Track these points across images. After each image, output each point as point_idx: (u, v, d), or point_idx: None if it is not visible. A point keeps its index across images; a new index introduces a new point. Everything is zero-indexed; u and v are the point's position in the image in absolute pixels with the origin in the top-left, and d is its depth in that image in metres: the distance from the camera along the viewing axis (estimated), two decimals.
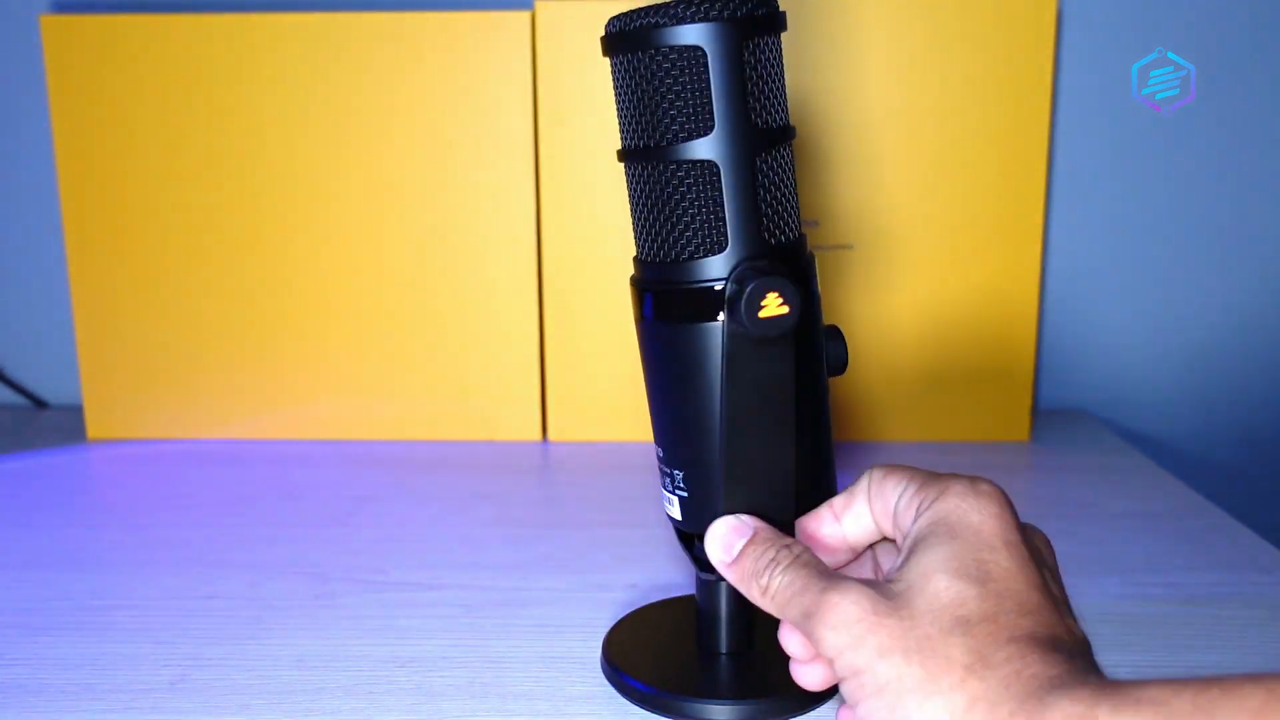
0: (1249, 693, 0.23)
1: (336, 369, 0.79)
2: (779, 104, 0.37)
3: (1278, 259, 0.84)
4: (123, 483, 0.71)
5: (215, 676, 0.43)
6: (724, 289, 0.36)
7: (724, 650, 0.42)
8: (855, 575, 0.35)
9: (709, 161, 0.36)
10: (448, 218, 0.76)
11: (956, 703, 0.28)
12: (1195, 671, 0.37)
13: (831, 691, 0.41)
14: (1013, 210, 0.74)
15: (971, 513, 0.32)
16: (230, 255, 0.78)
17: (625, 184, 0.39)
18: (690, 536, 0.40)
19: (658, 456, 0.41)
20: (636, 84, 0.37)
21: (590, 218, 0.75)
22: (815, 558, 0.35)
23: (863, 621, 0.31)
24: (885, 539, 0.37)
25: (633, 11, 0.36)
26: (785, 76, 0.38)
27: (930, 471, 0.35)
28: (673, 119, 0.36)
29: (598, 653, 0.44)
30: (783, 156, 0.37)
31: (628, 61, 0.37)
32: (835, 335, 0.40)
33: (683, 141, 0.36)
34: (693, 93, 0.35)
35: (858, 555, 0.38)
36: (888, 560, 0.38)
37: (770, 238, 0.37)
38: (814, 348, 0.39)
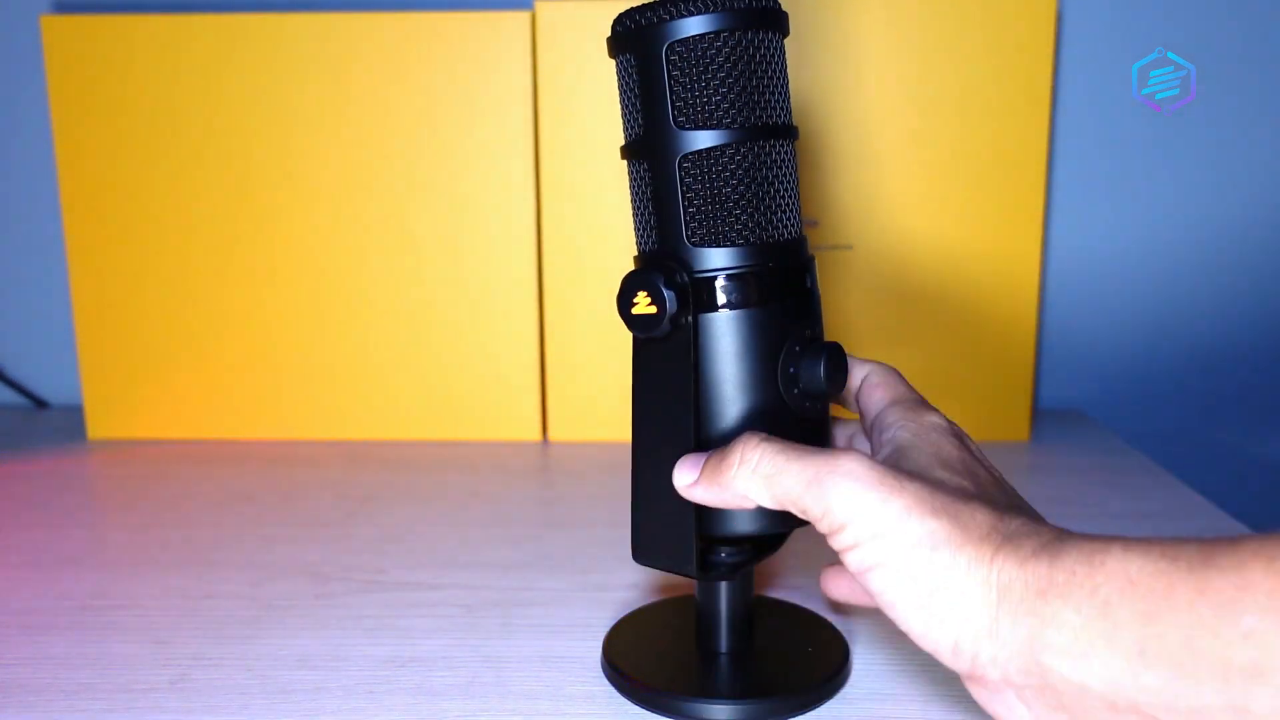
0: (1245, 541, 0.25)
1: (336, 369, 0.79)
2: (716, 104, 0.37)
3: (1278, 259, 0.84)
4: (123, 483, 0.71)
5: (215, 676, 0.43)
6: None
7: (724, 650, 0.42)
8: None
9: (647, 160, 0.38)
10: (447, 218, 0.76)
11: (985, 552, 0.29)
12: None
13: (831, 691, 0.41)
14: (1012, 210, 0.74)
15: (951, 436, 0.36)
16: (230, 255, 0.78)
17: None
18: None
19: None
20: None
21: (590, 218, 0.75)
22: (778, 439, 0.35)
23: (885, 484, 0.31)
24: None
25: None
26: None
27: (913, 393, 0.39)
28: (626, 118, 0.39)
29: (598, 653, 0.44)
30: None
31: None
32: (817, 353, 0.37)
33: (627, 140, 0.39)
34: (628, 96, 0.38)
35: None
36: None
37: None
38: (757, 352, 0.37)
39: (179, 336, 0.79)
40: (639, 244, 0.40)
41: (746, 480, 0.34)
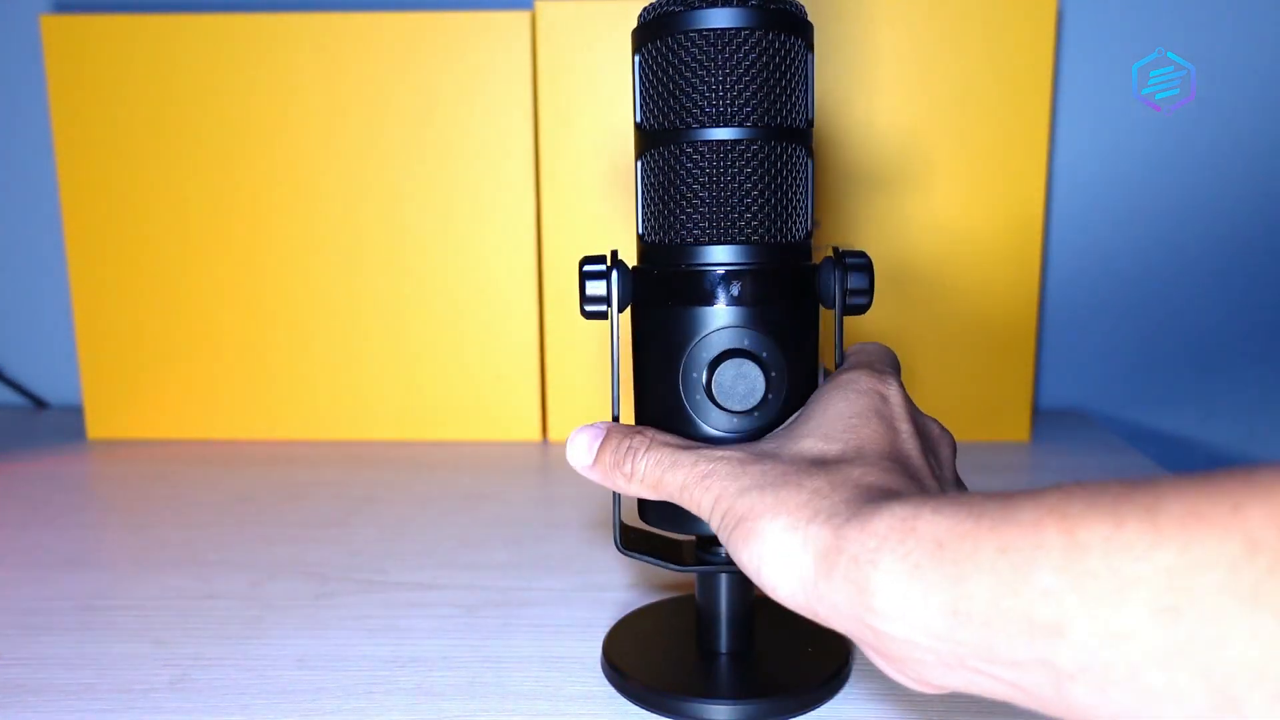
0: (1048, 493, 0.26)
1: (336, 369, 0.79)
2: (659, 105, 0.38)
3: (1277, 259, 0.84)
4: (123, 483, 0.71)
5: (215, 676, 0.43)
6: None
7: (724, 650, 0.42)
8: None
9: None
10: (448, 218, 0.76)
11: (799, 519, 0.31)
12: None
13: (831, 691, 0.41)
14: (1013, 209, 0.74)
15: (858, 380, 0.36)
16: (230, 255, 0.78)
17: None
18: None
19: None
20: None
21: (590, 217, 0.75)
22: (672, 437, 0.37)
23: (731, 474, 0.33)
24: None
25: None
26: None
27: (879, 357, 0.39)
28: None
29: (598, 653, 0.44)
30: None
31: None
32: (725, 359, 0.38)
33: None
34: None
35: None
36: None
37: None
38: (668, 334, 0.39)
39: (179, 336, 0.79)
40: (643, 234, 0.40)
41: (634, 489, 0.37)
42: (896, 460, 0.34)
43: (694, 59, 0.36)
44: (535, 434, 0.79)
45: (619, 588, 0.51)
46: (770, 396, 0.37)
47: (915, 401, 0.38)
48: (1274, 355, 0.86)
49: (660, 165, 0.38)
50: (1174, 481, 0.23)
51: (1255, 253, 0.84)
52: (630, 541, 0.42)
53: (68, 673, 0.43)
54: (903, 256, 0.75)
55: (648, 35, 0.38)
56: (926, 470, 0.34)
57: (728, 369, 0.37)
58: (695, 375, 0.38)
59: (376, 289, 0.77)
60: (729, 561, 0.41)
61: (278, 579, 0.53)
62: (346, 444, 0.79)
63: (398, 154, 0.76)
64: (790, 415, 0.38)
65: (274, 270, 0.78)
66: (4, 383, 0.92)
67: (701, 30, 0.36)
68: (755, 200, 0.37)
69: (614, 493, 0.41)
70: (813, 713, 0.40)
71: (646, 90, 0.38)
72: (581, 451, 0.38)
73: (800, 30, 0.38)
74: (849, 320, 0.46)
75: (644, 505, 0.41)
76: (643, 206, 0.39)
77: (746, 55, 0.36)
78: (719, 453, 0.35)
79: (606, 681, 0.42)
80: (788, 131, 0.37)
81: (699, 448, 0.36)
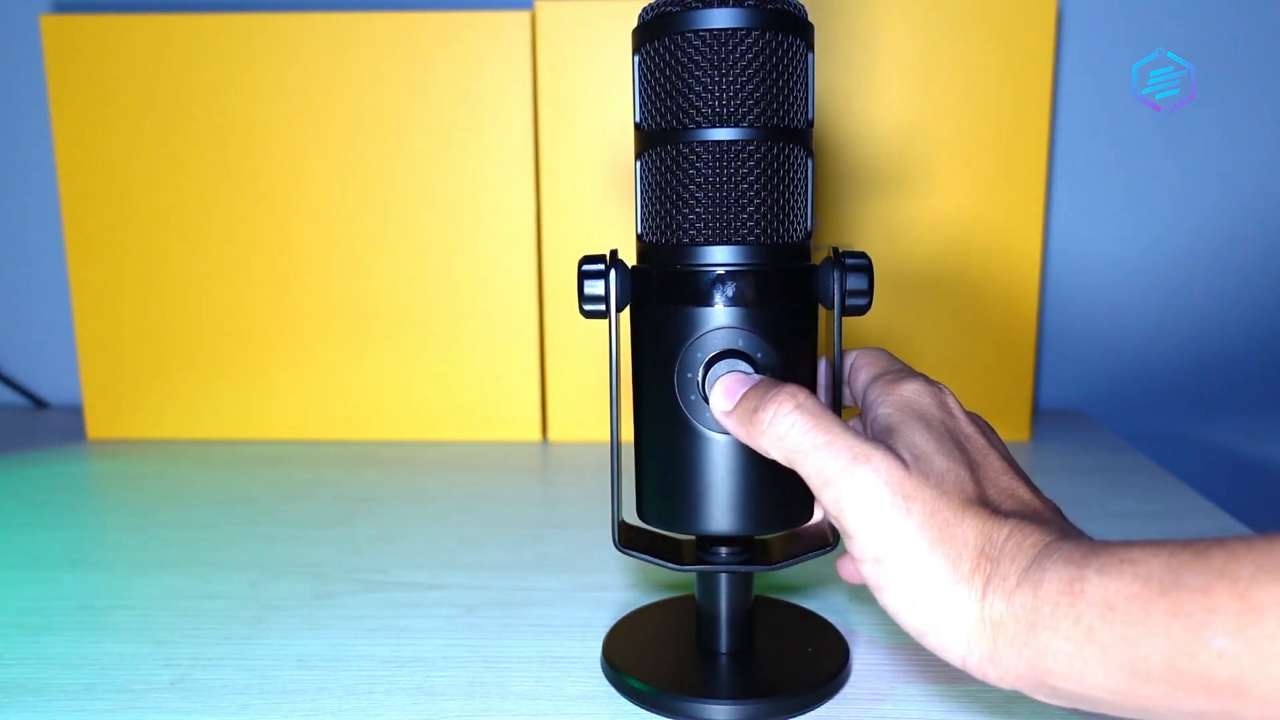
0: (1214, 554, 0.26)
1: (336, 369, 0.79)
2: (658, 107, 0.38)
3: (1278, 259, 0.84)
4: (123, 483, 0.71)
5: (215, 676, 0.43)
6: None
7: (724, 650, 0.42)
8: None
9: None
10: (448, 217, 0.76)
11: (976, 587, 0.30)
12: None
13: (831, 691, 0.41)
14: (1013, 210, 0.74)
15: (934, 405, 0.36)
16: (230, 255, 0.78)
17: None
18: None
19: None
20: None
21: (590, 218, 0.75)
22: (818, 403, 0.34)
23: (894, 505, 0.32)
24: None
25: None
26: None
27: (896, 365, 0.39)
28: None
29: (598, 653, 0.44)
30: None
31: None
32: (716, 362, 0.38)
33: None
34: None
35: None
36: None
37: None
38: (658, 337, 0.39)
39: (179, 336, 0.79)
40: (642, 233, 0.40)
41: (771, 444, 0.34)
42: (1017, 476, 0.35)
43: (694, 59, 0.36)
44: (535, 434, 0.79)
45: (619, 588, 0.51)
46: None
47: None
48: (1274, 355, 0.86)
49: (660, 165, 0.38)
50: None
51: (1255, 252, 0.84)
52: (629, 540, 0.42)
53: (68, 673, 0.43)
54: (903, 257, 0.75)
55: (648, 35, 0.38)
56: (1022, 484, 0.34)
57: (721, 370, 0.37)
58: (690, 375, 0.38)
59: (376, 289, 0.77)
60: (728, 561, 0.41)
61: (278, 579, 0.53)
62: (346, 444, 0.79)
63: (397, 154, 0.76)
64: None
65: (274, 270, 0.78)
66: (4, 383, 0.92)
67: (701, 30, 0.36)
68: (754, 201, 0.37)
69: (613, 489, 0.41)
70: (813, 713, 0.40)
71: (646, 90, 0.38)
72: (724, 396, 0.36)
73: (801, 30, 0.38)
74: (848, 321, 0.46)
75: (643, 503, 0.41)
76: (642, 206, 0.39)
77: (746, 55, 0.36)
78: (877, 456, 0.32)
79: (606, 681, 0.42)
80: (787, 132, 0.37)
81: (846, 430, 0.33)
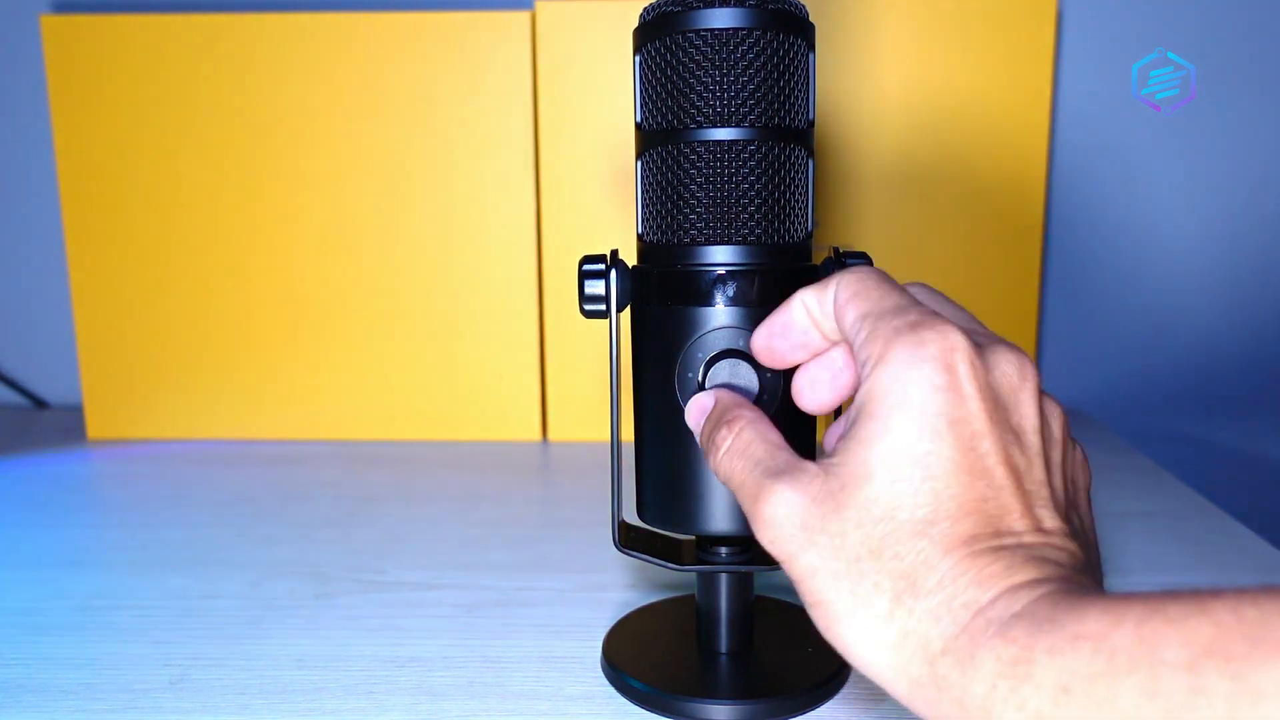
0: (1195, 626, 0.21)
1: (336, 369, 0.79)
2: (655, 107, 0.38)
3: (1278, 259, 0.84)
4: (123, 483, 0.71)
5: (215, 676, 0.43)
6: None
7: (724, 650, 0.42)
8: (822, 372, 0.33)
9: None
10: (448, 217, 0.76)
11: (888, 635, 0.26)
12: None
13: (831, 691, 0.41)
14: (1013, 209, 0.74)
15: (912, 387, 0.28)
16: (230, 255, 0.78)
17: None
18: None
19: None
20: None
21: (590, 217, 0.75)
22: (761, 433, 0.32)
23: (795, 536, 0.28)
24: None
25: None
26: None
27: (889, 306, 0.30)
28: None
29: (598, 653, 0.44)
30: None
31: None
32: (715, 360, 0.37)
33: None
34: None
35: (833, 344, 0.33)
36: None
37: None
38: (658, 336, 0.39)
39: (179, 337, 0.79)
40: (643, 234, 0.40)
41: (720, 465, 0.33)
42: (991, 490, 0.27)
43: (694, 59, 0.36)
44: (535, 434, 0.79)
45: (619, 588, 0.51)
46: (766, 397, 0.37)
47: None
48: (1274, 355, 0.86)
49: (660, 165, 0.38)
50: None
51: (1255, 252, 0.84)
52: (630, 540, 0.42)
53: (68, 673, 0.43)
54: (902, 257, 0.75)
55: (649, 35, 0.38)
56: (1036, 475, 0.28)
57: (722, 369, 0.37)
58: (690, 375, 0.38)
59: (376, 289, 0.77)
60: (728, 561, 0.41)
61: (278, 579, 0.53)
62: (346, 444, 0.79)
63: (397, 154, 0.76)
64: (788, 417, 0.36)
65: (274, 270, 0.78)
66: (4, 383, 0.92)
67: (702, 30, 0.36)
68: (755, 201, 0.37)
69: (613, 489, 0.41)
70: (812, 713, 0.40)
71: (647, 90, 0.38)
72: (694, 414, 0.36)
73: (802, 30, 0.38)
74: None
75: (643, 504, 0.41)
76: (642, 206, 0.39)
77: (747, 55, 0.36)
78: (785, 487, 0.29)
79: (606, 681, 0.42)
80: (788, 132, 0.37)
81: (783, 463, 0.30)
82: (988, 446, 0.27)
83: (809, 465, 0.30)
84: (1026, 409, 0.29)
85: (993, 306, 0.75)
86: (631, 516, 0.42)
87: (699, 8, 0.36)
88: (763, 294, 0.37)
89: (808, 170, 0.39)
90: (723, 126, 0.36)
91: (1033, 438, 0.29)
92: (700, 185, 0.37)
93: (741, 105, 0.36)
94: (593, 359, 0.77)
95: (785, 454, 0.31)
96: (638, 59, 0.39)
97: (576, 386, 0.78)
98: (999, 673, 0.24)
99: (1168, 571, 0.53)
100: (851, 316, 0.31)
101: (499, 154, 0.75)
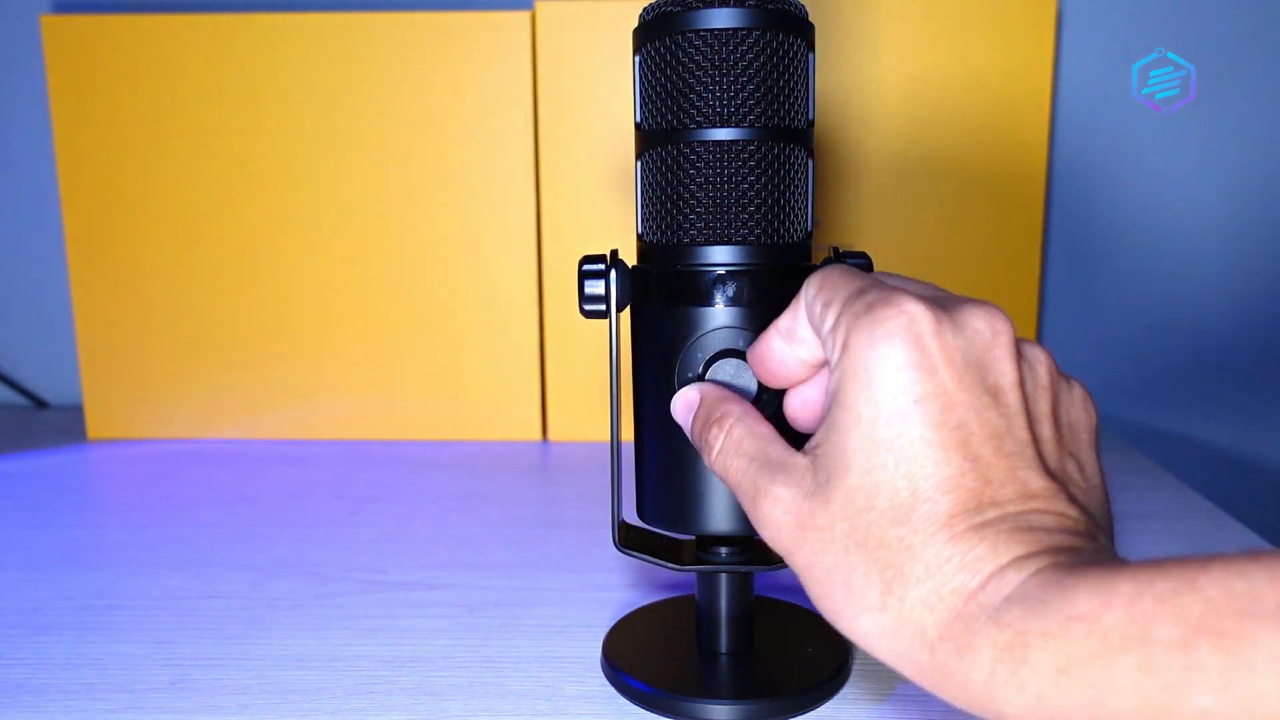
0: (1185, 604, 0.22)
1: (336, 369, 0.79)
2: (652, 107, 0.38)
3: (1277, 258, 0.84)
4: (123, 483, 0.71)
5: (215, 676, 0.43)
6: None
7: (724, 650, 0.42)
8: (813, 391, 0.33)
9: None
10: (448, 217, 0.76)
11: (884, 624, 0.26)
12: None
13: (831, 691, 0.41)
14: (1012, 209, 0.74)
15: (874, 369, 0.27)
16: (230, 255, 0.78)
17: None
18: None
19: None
20: None
21: (590, 217, 0.75)
22: (751, 428, 0.32)
23: (791, 533, 0.29)
24: None
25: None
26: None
27: (850, 292, 0.30)
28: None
29: (598, 653, 0.44)
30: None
31: None
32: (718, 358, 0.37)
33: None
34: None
35: (820, 368, 0.33)
36: None
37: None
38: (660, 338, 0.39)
39: (179, 336, 0.79)
40: (644, 234, 0.40)
41: (715, 465, 0.33)
42: (968, 463, 0.26)
43: (694, 59, 0.36)
44: (535, 434, 0.79)
45: (619, 588, 0.51)
46: (765, 397, 0.37)
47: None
48: (1274, 355, 0.86)
49: (660, 165, 0.38)
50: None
51: (1255, 252, 0.84)
52: (629, 540, 0.42)
53: (68, 672, 0.43)
54: (902, 256, 0.75)
55: (648, 35, 0.38)
56: (1021, 434, 0.28)
57: (721, 369, 0.37)
58: (690, 375, 0.38)
59: (377, 289, 0.77)
60: (728, 561, 0.41)
61: (278, 579, 0.53)
62: (346, 444, 0.79)
63: (398, 154, 0.76)
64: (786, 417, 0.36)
65: (274, 270, 0.78)
66: (4, 383, 0.92)
67: (702, 30, 0.36)
68: (754, 201, 0.37)
69: (613, 489, 0.41)
70: (813, 713, 0.40)
71: (647, 90, 0.38)
72: (681, 410, 0.36)
73: (801, 30, 0.38)
74: None
75: (643, 504, 0.41)
76: (642, 206, 0.39)
77: (746, 55, 0.36)
78: (779, 489, 0.29)
79: (606, 681, 0.42)
80: (788, 132, 0.37)
81: (776, 459, 0.31)
82: (960, 416, 0.27)
83: (799, 460, 0.30)
84: (1002, 365, 0.28)
85: None
86: (631, 517, 0.42)
87: (698, 8, 0.36)
88: (763, 294, 0.37)
89: (807, 170, 0.39)
90: (722, 126, 0.36)
91: (1012, 395, 0.28)
92: (700, 185, 0.37)
93: (741, 105, 0.36)
94: (593, 359, 0.77)
95: (777, 447, 0.31)
96: (637, 59, 0.39)
97: (576, 386, 0.78)
98: (996, 658, 0.24)
99: None
100: (818, 311, 0.31)
101: (499, 154, 0.75)
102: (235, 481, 0.70)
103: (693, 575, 0.45)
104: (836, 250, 0.39)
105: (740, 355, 0.37)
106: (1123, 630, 0.22)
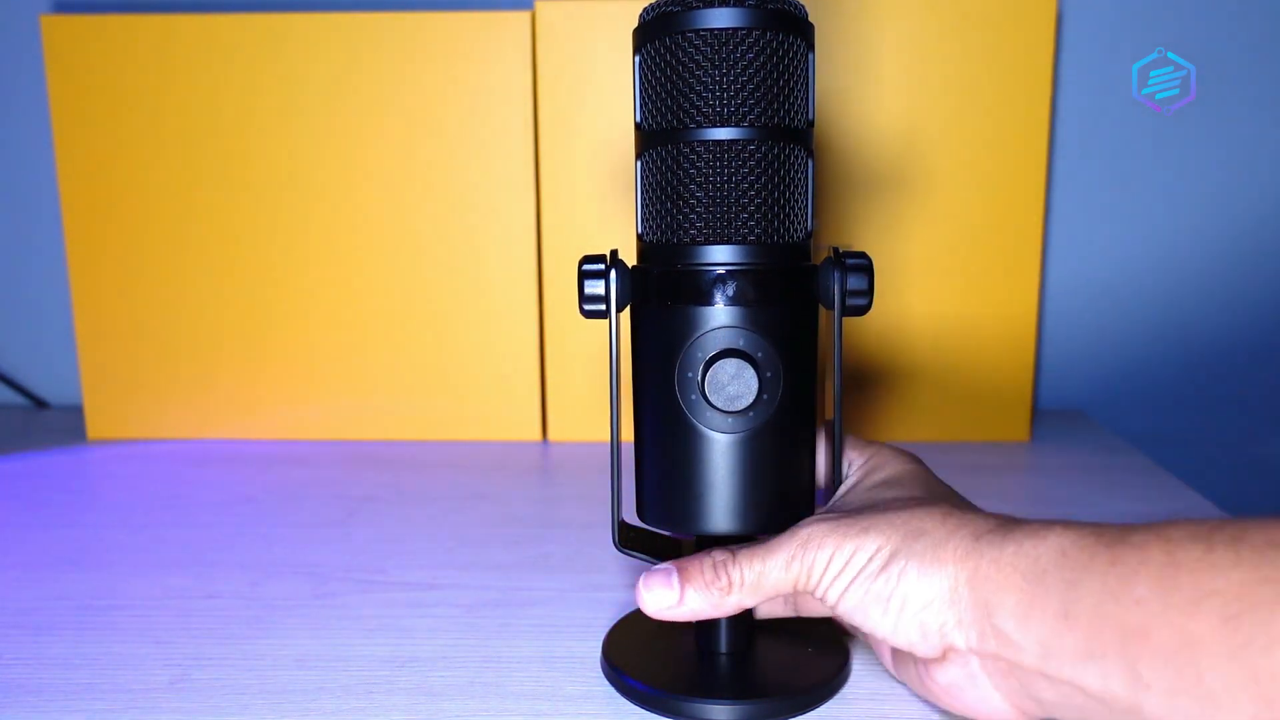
0: (1158, 524, 0.30)
1: (336, 369, 0.79)
2: (654, 107, 0.38)
3: (1277, 259, 0.84)
4: (123, 483, 0.71)
5: (215, 676, 0.43)
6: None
7: (724, 650, 0.42)
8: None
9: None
10: (448, 218, 0.76)
11: (939, 535, 0.34)
12: None
13: (831, 691, 0.41)
14: (1013, 210, 0.74)
15: (904, 461, 0.41)
16: (230, 255, 0.78)
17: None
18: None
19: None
20: None
21: (590, 217, 0.75)
22: (744, 550, 0.38)
23: (838, 527, 0.36)
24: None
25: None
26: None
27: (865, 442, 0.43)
28: None
29: (598, 653, 0.44)
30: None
31: None
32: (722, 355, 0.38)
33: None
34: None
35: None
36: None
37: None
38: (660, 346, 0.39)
39: (179, 337, 0.79)
40: (643, 234, 0.40)
41: (741, 599, 0.37)
42: (966, 503, 0.38)
43: (694, 59, 0.37)
44: (535, 434, 0.79)
45: (619, 588, 0.51)
46: (765, 397, 0.37)
47: (915, 400, 0.39)
48: (1273, 355, 0.86)
49: (660, 165, 0.38)
50: (1263, 520, 0.28)
51: (1255, 251, 0.84)
52: (629, 540, 0.42)
53: (68, 673, 0.43)
54: (902, 256, 0.75)
55: (648, 35, 0.38)
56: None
57: (722, 368, 0.37)
58: (690, 375, 0.38)
59: (376, 288, 0.77)
60: None
61: (278, 579, 0.53)
62: (346, 444, 0.79)
63: (397, 154, 0.76)
64: (788, 415, 0.39)
65: (274, 270, 0.78)
66: (4, 383, 0.92)
67: (702, 30, 0.36)
68: (754, 200, 0.37)
69: (613, 489, 0.41)
70: (812, 713, 0.40)
71: (647, 90, 0.38)
72: (663, 592, 0.38)
73: (801, 30, 0.38)
74: (849, 321, 0.46)
75: (643, 503, 0.41)
76: (642, 206, 0.39)
77: (746, 55, 0.36)
78: (803, 523, 0.37)
79: (606, 681, 0.42)
80: (788, 131, 0.37)
81: (767, 541, 0.38)
82: (934, 481, 0.42)
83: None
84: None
85: (993, 306, 0.75)
86: (631, 517, 0.42)
87: (698, 7, 0.36)
88: (763, 293, 0.37)
89: (807, 170, 0.39)
90: (722, 126, 0.37)
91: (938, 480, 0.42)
92: (700, 185, 0.37)
93: (741, 105, 0.36)
94: (593, 359, 0.77)
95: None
96: (637, 59, 0.39)
97: (576, 386, 0.78)
98: (1026, 534, 0.33)
99: None
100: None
101: (499, 154, 0.75)
102: (235, 481, 0.70)
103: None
104: (836, 250, 0.39)
105: (741, 355, 0.37)
106: (1112, 534, 0.30)
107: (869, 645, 0.42)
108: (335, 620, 0.48)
